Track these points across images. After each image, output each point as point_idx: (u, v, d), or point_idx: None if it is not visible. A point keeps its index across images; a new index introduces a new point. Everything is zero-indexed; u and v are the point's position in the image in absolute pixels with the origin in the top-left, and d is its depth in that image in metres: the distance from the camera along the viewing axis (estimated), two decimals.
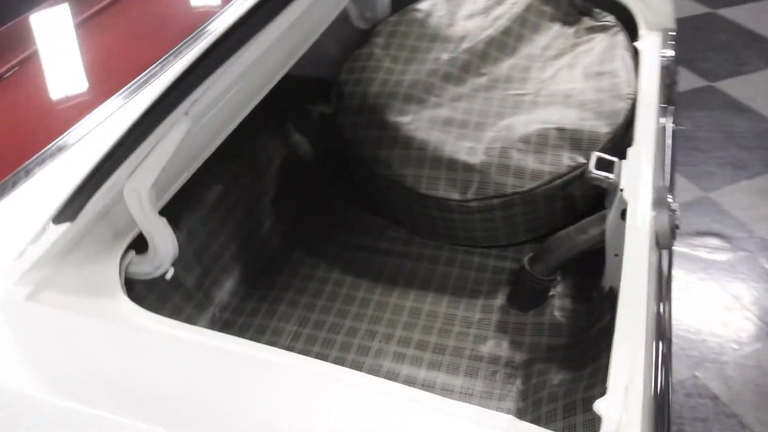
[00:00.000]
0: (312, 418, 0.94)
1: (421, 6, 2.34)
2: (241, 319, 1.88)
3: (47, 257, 1.17)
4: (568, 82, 2.08)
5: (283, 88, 2.50)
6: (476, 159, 1.91)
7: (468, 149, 1.94)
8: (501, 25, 2.24)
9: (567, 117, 1.97)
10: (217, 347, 1.05)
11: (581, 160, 1.88)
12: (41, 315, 1.08)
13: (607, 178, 1.64)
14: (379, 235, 2.12)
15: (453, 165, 1.91)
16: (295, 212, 2.20)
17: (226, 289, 1.95)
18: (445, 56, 2.16)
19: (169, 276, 1.28)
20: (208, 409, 0.96)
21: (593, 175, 1.66)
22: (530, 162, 1.89)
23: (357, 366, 1.74)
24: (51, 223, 1.12)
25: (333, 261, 2.04)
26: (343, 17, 2.41)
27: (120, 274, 1.20)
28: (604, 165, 1.69)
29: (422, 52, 2.20)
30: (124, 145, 1.08)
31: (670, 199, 1.55)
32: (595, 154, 1.71)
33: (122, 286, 1.15)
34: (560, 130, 1.92)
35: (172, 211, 1.93)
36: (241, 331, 1.84)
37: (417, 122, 2.01)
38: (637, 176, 1.57)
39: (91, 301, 1.10)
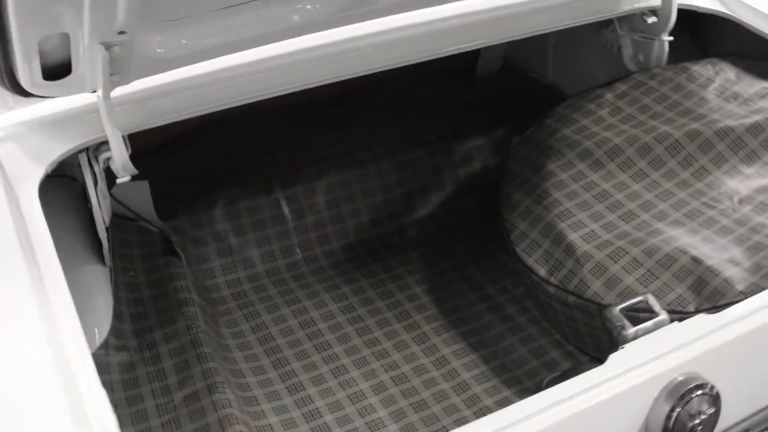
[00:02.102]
0: None
1: (696, 67, 1.94)
2: (310, 279, 1.93)
3: (44, 120, 1.43)
4: None
5: (538, 100, 2.36)
6: (584, 245, 1.61)
7: (588, 232, 1.64)
8: (752, 121, 1.76)
9: (721, 252, 1.52)
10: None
11: (689, 307, 1.46)
12: None
13: (621, 326, 1.28)
14: (497, 282, 1.93)
15: (559, 240, 1.65)
16: (450, 217, 2.12)
17: (327, 249, 2.01)
18: (663, 128, 1.79)
19: (119, 182, 1.44)
20: None
21: (610, 314, 1.30)
22: (632, 278, 1.52)
23: (341, 371, 1.69)
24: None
25: (433, 283, 1.93)
26: (618, 53, 2.13)
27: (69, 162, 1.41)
28: (642, 314, 1.31)
29: (647, 115, 1.86)
30: None
31: (699, 395, 1.17)
32: (646, 297, 1.34)
33: (48, 170, 1.33)
34: (696, 261, 1.50)
35: (320, 162, 2.04)
36: (299, 289, 1.90)
37: (570, 182, 1.75)
38: (663, 349, 1.20)
39: (17, 167, 1.33)
